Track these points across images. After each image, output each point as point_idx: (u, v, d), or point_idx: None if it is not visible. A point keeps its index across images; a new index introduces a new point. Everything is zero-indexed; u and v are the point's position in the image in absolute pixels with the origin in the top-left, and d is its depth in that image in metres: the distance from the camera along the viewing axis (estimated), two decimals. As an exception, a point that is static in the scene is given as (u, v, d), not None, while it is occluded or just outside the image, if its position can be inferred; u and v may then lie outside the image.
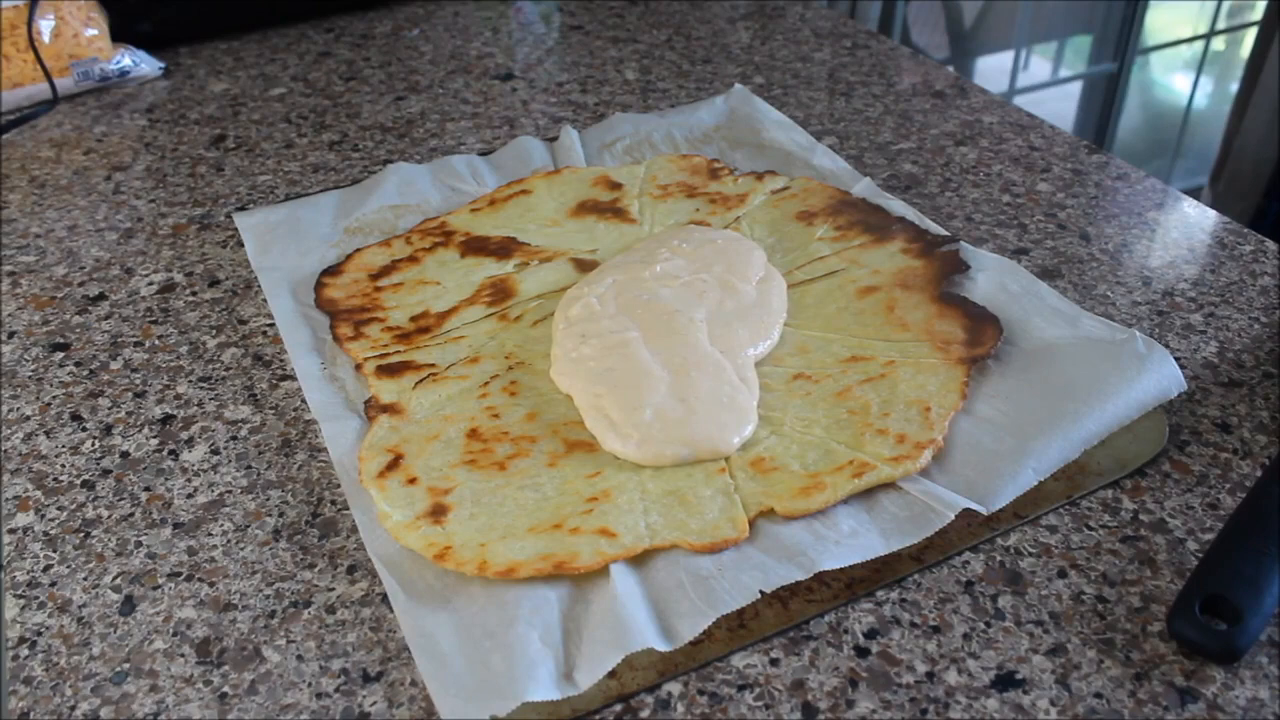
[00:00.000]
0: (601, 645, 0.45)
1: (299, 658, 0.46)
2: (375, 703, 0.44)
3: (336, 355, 0.62)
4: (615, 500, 0.52)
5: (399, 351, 0.62)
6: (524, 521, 0.50)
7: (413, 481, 0.53)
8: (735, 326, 0.61)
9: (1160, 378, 0.57)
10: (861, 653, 0.46)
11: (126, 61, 0.96)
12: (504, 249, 0.71)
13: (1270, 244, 0.71)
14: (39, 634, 0.47)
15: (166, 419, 0.59)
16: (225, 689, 0.45)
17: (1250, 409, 0.58)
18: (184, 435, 0.58)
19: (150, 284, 0.71)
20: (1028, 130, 0.86)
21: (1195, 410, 0.58)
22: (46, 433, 0.59)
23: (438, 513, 0.51)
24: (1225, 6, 2.56)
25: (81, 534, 0.52)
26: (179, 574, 0.50)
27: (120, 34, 0.98)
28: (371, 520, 0.51)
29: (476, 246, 0.71)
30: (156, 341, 0.65)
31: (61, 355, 0.64)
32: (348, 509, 0.53)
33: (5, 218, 0.78)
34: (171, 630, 0.47)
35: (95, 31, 0.95)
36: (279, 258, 0.71)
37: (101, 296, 0.69)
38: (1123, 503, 0.52)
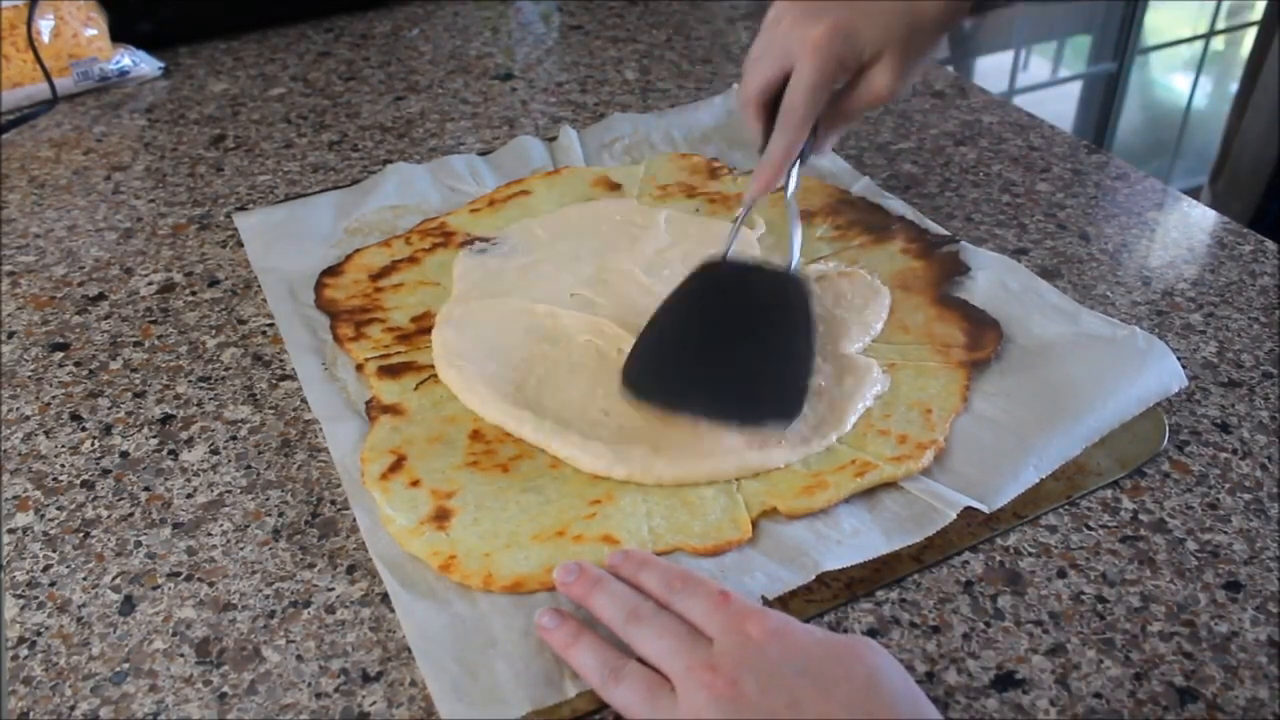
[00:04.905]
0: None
1: (298, 658, 0.46)
2: (375, 702, 0.44)
3: (337, 356, 0.62)
4: (618, 502, 0.52)
5: (400, 352, 0.62)
6: (528, 527, 0.50)
7: (416, 484, 0.53)
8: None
9: (1161, 373, 0.57)
10: (862, 653, 0.46)
11: (126, 61, 0.96)
12: (504, 249, 0.71)
13: (1270, 244, 0.71)
14: (39, 634, 0.47)
15: (166, 419, 0.59)
16: (225, 689, 0.45)
17: (1250, 409, 0.58)
18: (184, 435, 0.58)
19: (150, 284, 0.71)
20: (1027, 130, 0.86)
21: (1195, 410, 0.58)
22: (46, 433, 0.59)
23: (441, 517, 0.51)
24: (1225, 6, 2.56)
25: (81, 534, 0.52)
26: (179, 574, 0.50)
27: (120, 34, 0.98)
28: (374, 521, 0.51)
29: (476, 246, 0.71)
30: (156, 341, 0.65)
31: (61, 355, 0.64)
32: (347, 509, 0.53)
33: (5, 218, 0.78)
34: (171, 630, 0.47)
35: (95, 31, 0.95)
36: (279, 258, 0.71)
37: (101, 296, 0.69)
38: (1122, 503, 0.52)
